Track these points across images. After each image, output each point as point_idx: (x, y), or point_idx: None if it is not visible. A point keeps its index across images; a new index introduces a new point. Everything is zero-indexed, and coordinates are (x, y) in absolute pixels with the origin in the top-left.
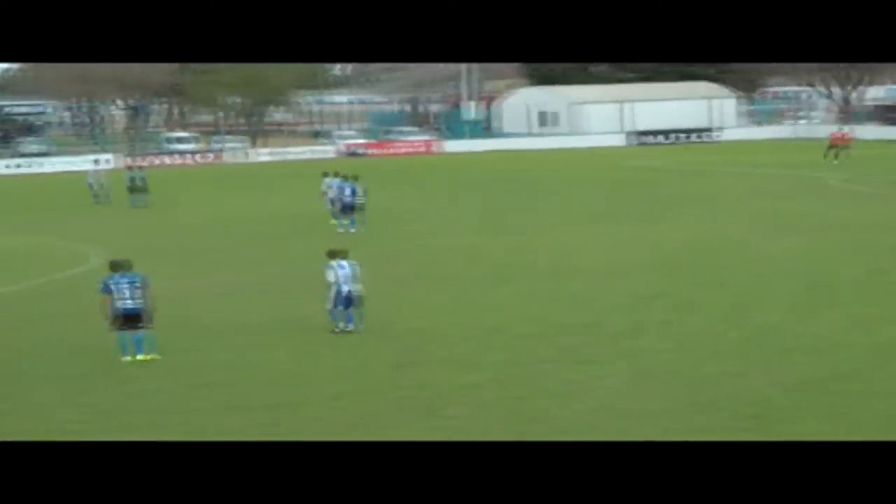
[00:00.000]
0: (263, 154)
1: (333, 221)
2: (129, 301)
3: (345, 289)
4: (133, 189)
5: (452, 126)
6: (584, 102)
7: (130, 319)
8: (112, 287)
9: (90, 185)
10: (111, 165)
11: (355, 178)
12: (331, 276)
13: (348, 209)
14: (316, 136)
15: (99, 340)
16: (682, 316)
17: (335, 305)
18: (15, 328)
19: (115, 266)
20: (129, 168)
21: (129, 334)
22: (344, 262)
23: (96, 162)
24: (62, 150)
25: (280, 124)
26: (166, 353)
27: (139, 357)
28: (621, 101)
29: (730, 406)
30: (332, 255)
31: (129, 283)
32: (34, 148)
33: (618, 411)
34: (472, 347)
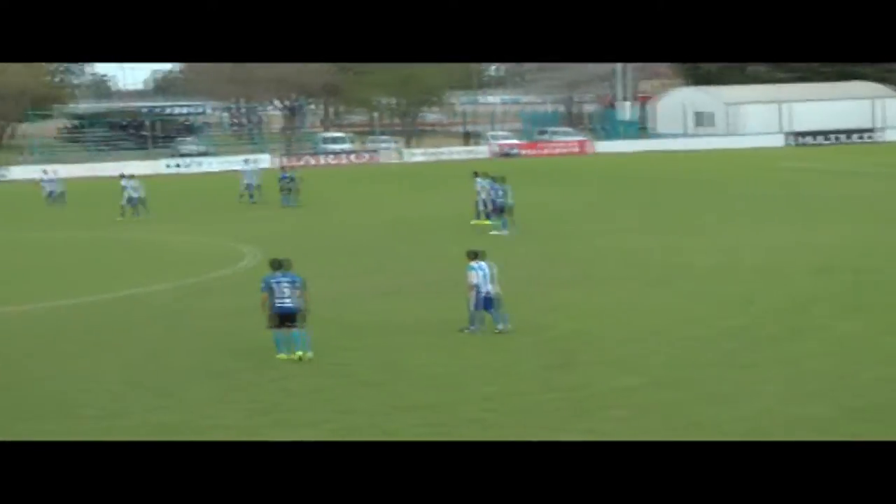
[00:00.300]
0: (417, 154)
1: (485, 221)
2: (287, 300)
3: (484, 290)
4: (284, 189)
5: (607, 126)
6: (741, 103)
7: (286, 318)
8: (273, 285)
9: (243, 185)
10: (266, 165)
11: (502, 179)
12: (473, 278)
13: (500, 210)
14: (466, 136)
15: (255, 338)
16: (841, 320)
17: (477, 308)
18: (172, 325)
19: (277, 265)
20: (283, 168)
21: (284, 332)
22: (483, 264)
23: (246, 161)
24: (220, 150)
25: (433, 124)
26: (325, 352)
27: (296, 353)
28: (779, 102)
29: (893, 413)
30: (472, 256)
31: (289, 282)
32: (193, 148)
33: (778, 416)
34: (631, 350)
